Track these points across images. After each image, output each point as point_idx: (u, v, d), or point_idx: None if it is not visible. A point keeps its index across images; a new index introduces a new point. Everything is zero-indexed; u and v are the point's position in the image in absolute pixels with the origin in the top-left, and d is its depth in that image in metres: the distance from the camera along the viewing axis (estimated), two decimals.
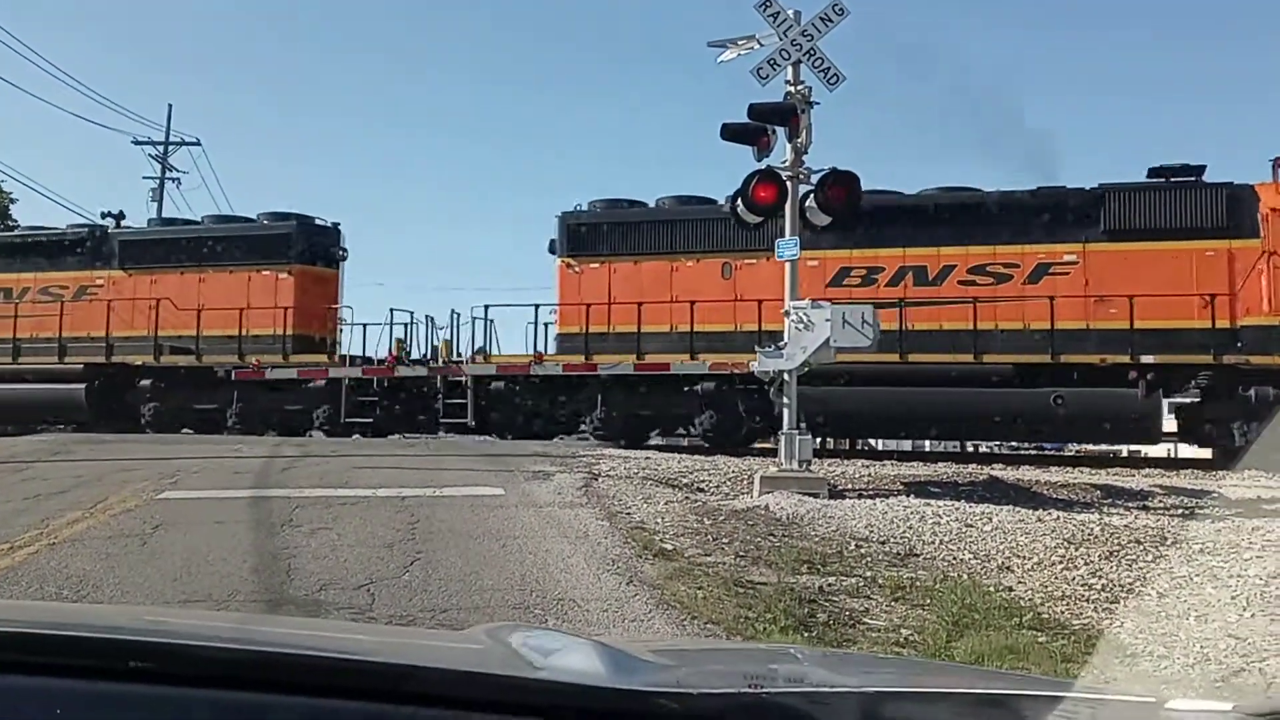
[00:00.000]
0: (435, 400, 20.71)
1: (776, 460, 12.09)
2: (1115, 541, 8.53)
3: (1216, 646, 5.49)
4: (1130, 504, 11.92)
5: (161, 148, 40.38)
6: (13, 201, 42.29)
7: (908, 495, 11.47)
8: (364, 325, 22.59)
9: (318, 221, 23.18)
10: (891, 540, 8.93)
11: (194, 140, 41.27)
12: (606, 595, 6.63)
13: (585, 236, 20.79)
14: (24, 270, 23.43)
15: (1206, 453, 19.10)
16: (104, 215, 23.74)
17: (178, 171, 40.97)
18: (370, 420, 20.83)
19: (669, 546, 8.31)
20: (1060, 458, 20.33)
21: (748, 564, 7.80)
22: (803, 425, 12.18)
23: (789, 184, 12.02)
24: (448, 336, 21.45)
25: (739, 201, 12.30)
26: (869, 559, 8.14)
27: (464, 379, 20.20)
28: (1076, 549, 8.26)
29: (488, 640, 1.77)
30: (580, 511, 9.67)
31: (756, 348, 12.57)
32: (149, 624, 1.93)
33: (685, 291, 19.59)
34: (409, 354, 21.31)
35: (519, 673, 1.44)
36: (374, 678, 1.37)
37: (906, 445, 22.73)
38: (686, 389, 19.35)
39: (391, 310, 24.84)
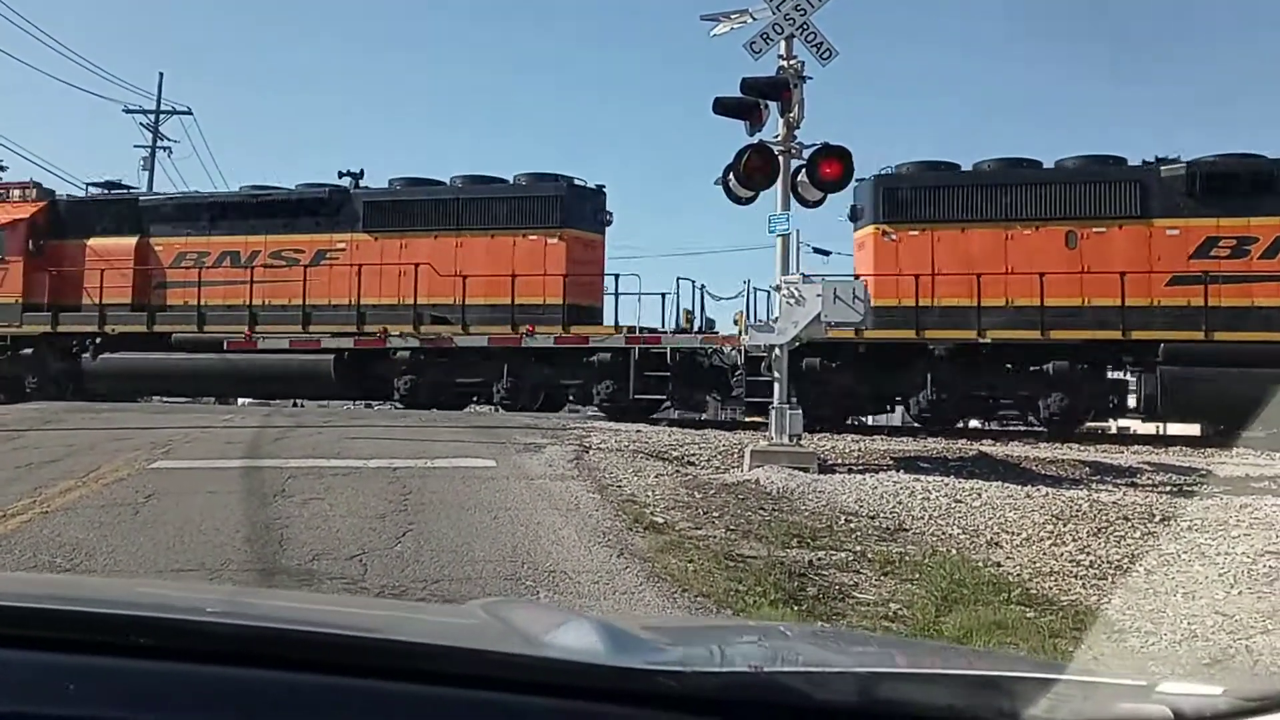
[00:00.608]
0: (728, 375, 19.11)
1: (767, 434, 12.13)
2: (1104, 518, 8.59)
3: (1204, 623, 5.55)
4: (1119, 481, 12.00)
5: (153, 117, 40.12)
6: (3, 169, 42.04)
7: (897, 470, 11.53)
8: (638, 295, 21.77)
9: (580, 183, 21.41)
10: (881, 515, 8.98)
11: (185, 109, 40.99)
12: (597, 568, 6.66)
13: (904, 201, 19.17)
14: (253, 233, 21.88)
15: (1195, 429, 19.19)
16: (341, 175, 22.08)
17: (169, 140, 40.73)
18: (663, 397, 19.43)
19: (660, 519, 8.35)
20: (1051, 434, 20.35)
21: (738, 537, 7.84)
22: (793, 399, 12.21)
23: (780, 158, 12.00)
24: (739, 307, 18.78)
25: (730, 175, 12.28)
26: (859, 533, 8.18)
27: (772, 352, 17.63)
28: (1065, 525, 8.32)
29: (485, 616, 1.78)
30: (571, 484, 9.71)
31: (749, 327, 12.59)
32: (150, 598, 1.94)
33: (1023, 263, 18.01)
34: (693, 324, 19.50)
35: (518, 649, 1.46)
36: (374, 654, 1.38)
37: (896, 420, 22.73)
38: (1034, 367, 18.06)
39: (678, 280, 23.90)
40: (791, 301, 11.69)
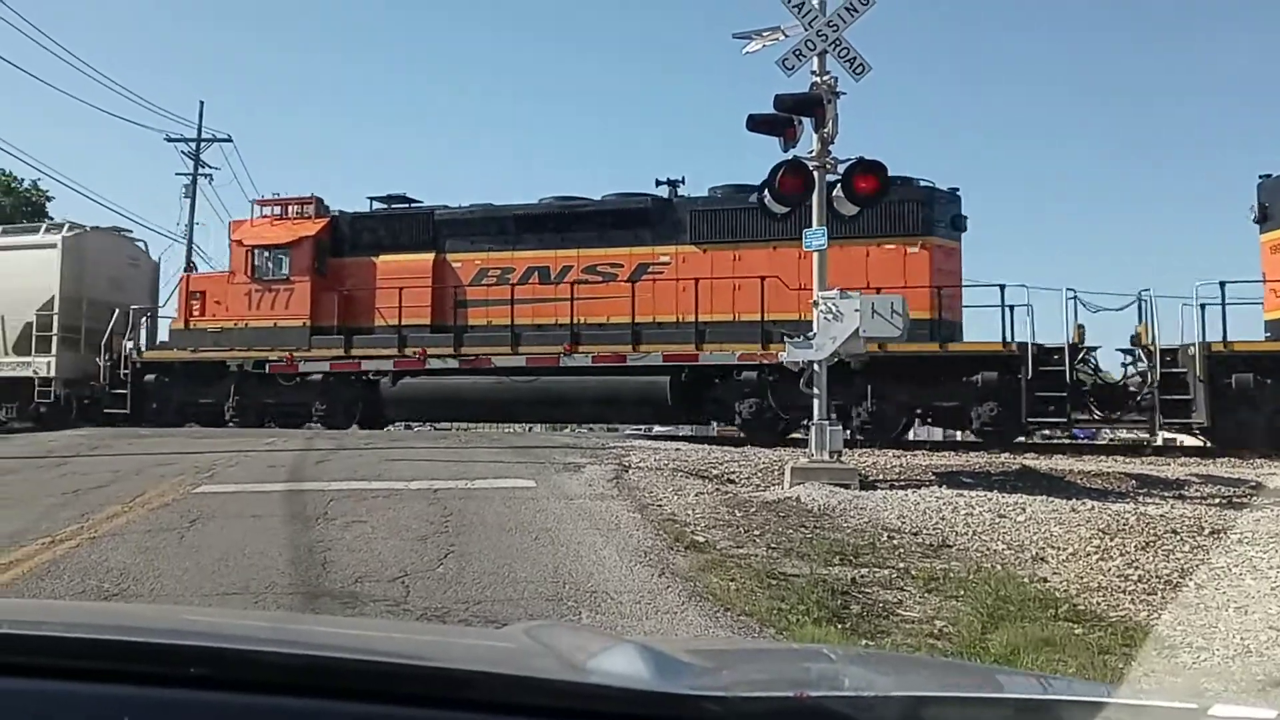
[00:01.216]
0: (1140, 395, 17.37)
1: (807, 451, 12.07)
2: (1151, 532, 8.47)
3: (1257, 638, 5.45)
4: (1166, 493, 11.83)
5: (193, 145, 40.68)
6: (50, 199, 42.80)
7: (940, 485, 11.43)
8: (1009, 306, 17.58)
9: (933, 185, 19.57)
10: (924, 531, 8.90)
11: (225, 137, 41.54)
12: (639, 587, 6.65)
13: None
14: (563, 247, 20.45)
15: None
16: (658, 183, 20.56)
17: (209, 167, 41.26)
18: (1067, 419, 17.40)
19: (701, 538, 8.32)
20: (1094, 447, 20.07)
21: (780, 556, 7.80)
22: (833, 416, 12.15)
23: (815, 174, 11.98)
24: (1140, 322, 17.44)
25: (765, 192, 12.28)
26: (902, 550, 8.12)
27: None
28: (1112, 539, 8.21)
29: (528, 640, 1.78)
30: (611, 503, 9.70)
31: (785, 338, 12.54)
32: (199, 626, 1.96)
33: None
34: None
35: (561, 675, 1.46)
36: (419, 682, 1.39)
37: (938, 434, 22.51)
38: None
39: (1077, 294, 17.99)
40: (829, 317, 11.65)
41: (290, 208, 22.26)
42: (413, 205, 22.33)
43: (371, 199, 22.42)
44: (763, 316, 18.37)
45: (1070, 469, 13.91)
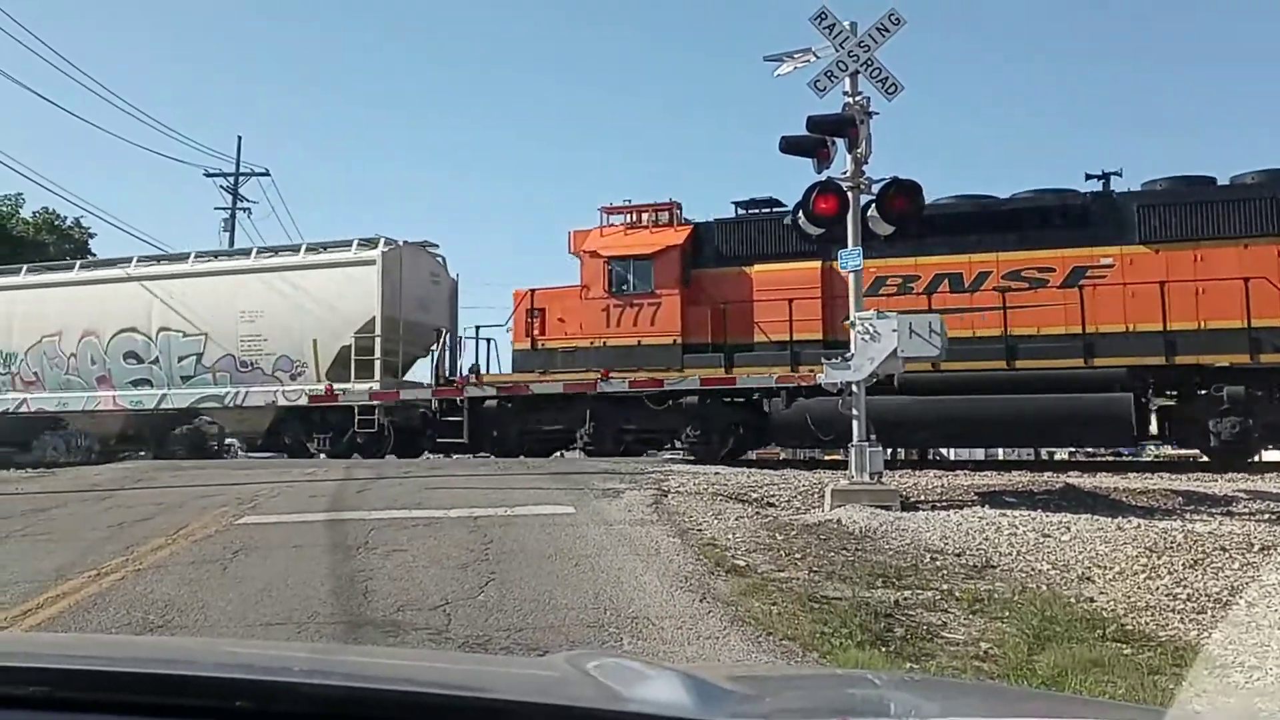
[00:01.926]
0: None
1: (847, 473, 12.00)
2: (1200, 549, 8.33)
3: None
4: (1214, 510, 11.64)
5: (232, 179, 41.25)
6: (92, 236, 43.47)
7: (982, 505, 11.32)
8: None
9: None
10: (967, 552, 8.81)
11: (263, 171, 42.08)
12: (680, 613, 6.62)
13: None
14: (976, 250, 18.36)
15: None
16: (1088, 177, 18.50)
17: (248, 201, 41.79)
18: None
19: (741, 562, 8.28)
20: (1138, 464, 19.78)
21: (821, 579, 7.74)
22: (873, 437, 12.08)
23: (850, 195, 11.96)
24: None
25: (800, 213, 12.27)
26: (945, 571, 8.04)
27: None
28: (1159, 557, 8.08)
29: (570, 669, 1.78)
30: (651, 528, 9.68)
31: (823, 359, 12.48)
32: (243, 659, 1.97)
33: None
34: None
35: (605, 704, 1.45)
36: (462, 713, 1.39)
37: (979, 454, 22.29)
38: None
39: None
40: (866, 337, 11.60)
41: (645, 215, 20.62)
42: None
43: (736, 204, 20.60)
44: (1248, 322, 16.59)
45: (1115, 486, 13.73)
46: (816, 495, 12.09)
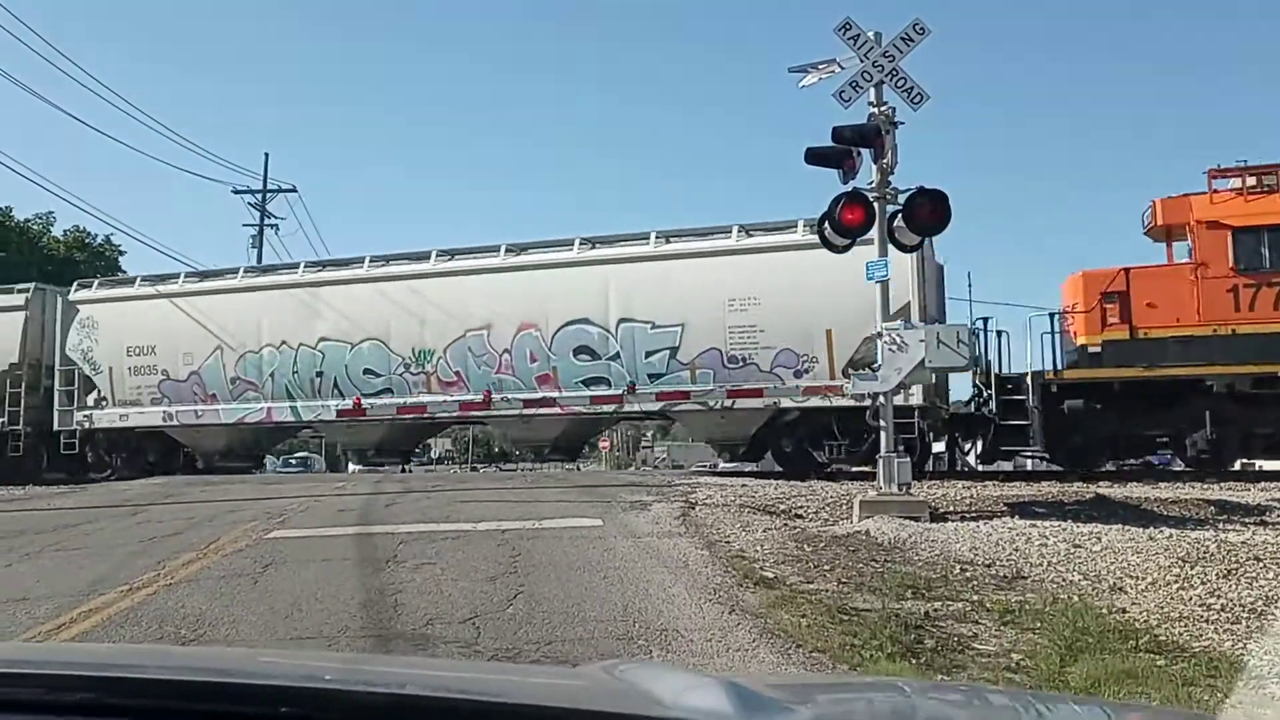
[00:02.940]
0: None
1: (875, 484, 11.95)
2: (1233, 559, 8.25)
3: None
4: (1247, 519, 11.53)
5: (259, 196, 41.56)
6: (122, 254, 43.94)
7: (1012, 516, 11.26)
8: None
9: None
10: (997, 563, 8.75)
11: (290, 187, 42.36)
12: (709, 625, 6.60)
13: None
14: None
15: None
16: None
17: (275, 218, 42.07)
18: None
19: (770, 574, 8.26)
20: (1170, 473, 19.53)
21: (850, 590, 7.71)
22: (900, 448, 12.03)
23: (876, 205, 11.94)
24: None
25: (826, 224, 12.25)
26: (975, 582, 7.99)
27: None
28: (1192, 568, 8.01)
29: (607, 677, 1.78)
30: (679, 541, 9.67)
31: (850, 371, 12.44)
32: (279, 668, 1.99)
33: None
34: None
35: (647, 712, 1.45)
36: (499, 719, 1.39)
37: (1008, 465, 22.11)
38: None
39: None
40: (894, 349, 11.56)
41: (1264, 178, 17.33)
42: None
43: None
44: None
45: (1146, 496, 13.62)
46: (845, 507, 12.05)
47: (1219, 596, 7.21)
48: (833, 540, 9.95)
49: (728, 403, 18.80)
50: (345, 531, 10.70)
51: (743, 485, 14.48)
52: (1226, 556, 8.35)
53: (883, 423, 11.79)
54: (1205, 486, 15.07)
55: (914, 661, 5.76)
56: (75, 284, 24.90)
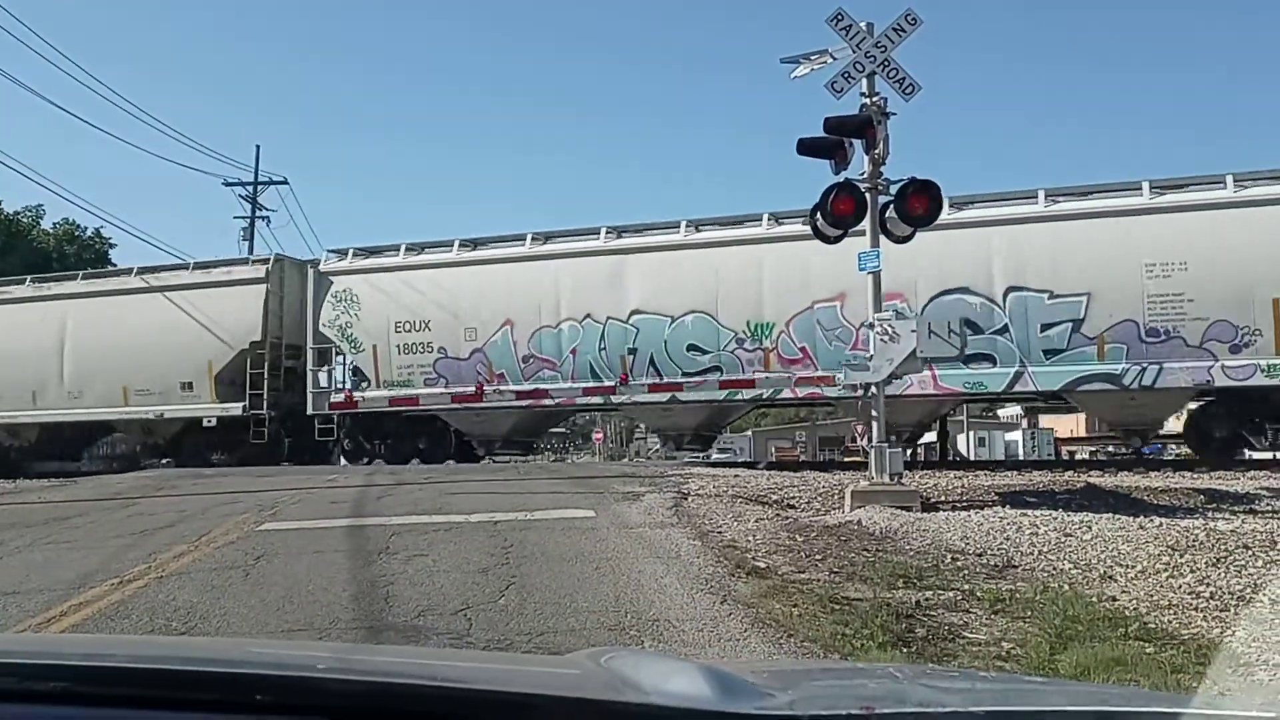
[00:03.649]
0: None
1: (867, 474, 11.97)
2: (1222, 547, 8.28)
3: None
4: (1236, 508, 11.57)
5: (250, 188, 41.43)
6: (112, 246, 43.80)
7: (1003, 506, 11.28)
8: None
9: None
10: (988, 552, 8.78)
11: (281, 179, 42.23)
12: (701, 615, 6.61)
13: None
14: None
15: None
16: None
17: (266, 210, 41.95)
18: None
19: (762, 564, 8.27)
20: (1160, 462, 19.59)
21: (842, 580, 7.73)
22: (893, 438, 12.04)
23: (868, 196, 11.94)
24: None
25: (818, 215, 12.25)
26: (966, 571, 8.01)
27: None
28: (1181, 556, 8.04)
29: (592, 665, 1.78)
30: (671, 531, 9.68)
31: (841, 362, 12.45)
32: (265, 658, 1.98)
33: None
34: None
35: (627, 698, 1.46)
36: (483, 706, 1.39)
37: (999, 454, 22.18)
38: None
39: None
40: (885, 339, 11.57)
41: None
42: None
43: None
44: None
45: (1136, 485, 13.66)
46: (836, 497, 12.07)
47: (1208, 584, 7.24)
48: (824, 530, 9.97)
49: (1149, 380, 16.92)
50: (337, 524, 10.69)
51: (735, 476, 14.49)
52: (1215, 545, 8.38)
53: (874, 411, 11.81)
54: (1195, 476, 15.12)
55: (905, 650, 5.77)
56: (326, 253, 23.20)
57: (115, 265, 35.06)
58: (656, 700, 1.42)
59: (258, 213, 41.56)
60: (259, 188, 41.52)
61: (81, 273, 25.80)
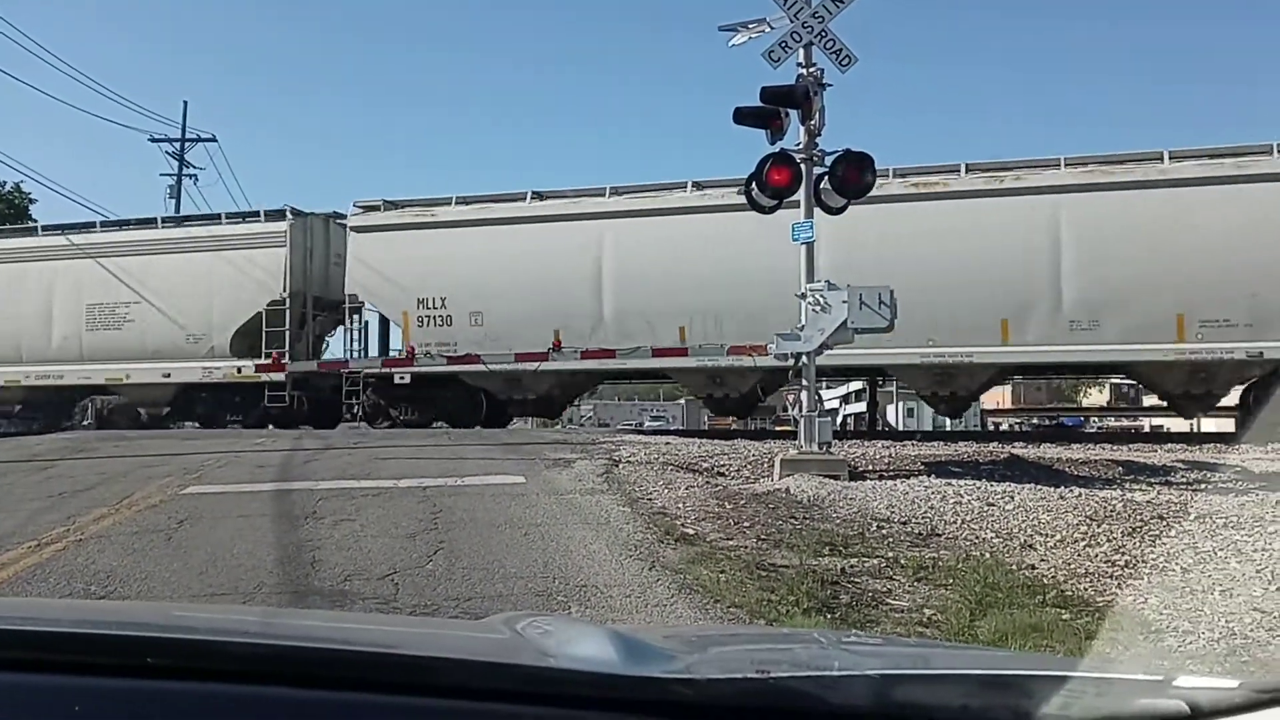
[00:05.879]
0: None
1: (796, 443, 12.09)
2: (1138, 517, 8.49)
3: (1242, 621, 5.47)
4: (1153, 479, 11.88)
5: (178, 145, 40.56)
6: (32, 201, 42.65)
7: (929, 475, 11.46)
8: None
9: None
10: (913, 520, 8.92)
11: (210, 136, 41.43)
12: (629, 581, 6.65)
13: None
14: None
15: (1229, 425, 18.97)
16: None
17: (194, 168, 41.11)
18: None
19: (690, 531, 8.33)
20: (1082, 435, 20.11)
21: (769, 547, 7.81)
22: (822, 407, 12.17)
23: (803, 166, 11.99)
24: None
25: (753, 185, 12.28)
26: (891, 540, 8.13)
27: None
28: (1099, 525, 8.23)
29: (506, 630, 1.79)
30: (601, 498, 9.71)
31: (774, 332, 12.53)
32: (172, 620, 1.96)
33: None
34: None
35: (535, 662, 1.46)
36: (395, 670, 1.39)
37: (927, 425, 22.58)
38: None
39: None
40: (817, 309, 11.66)
41: None
42: None
43: None
44: None
45: (1058, 457, 13.96)
46: (766, 465, 12.17)
47: (1123, 553, 7.42)
48: (753, 498, 10.06)
49: None
50: (264, 488, 10.57)
51: (666, 443, 14.55)
52: (1132, 515, 8.59)
53: (804, 382, 11.91)
54: (1114, 448, 15.49)
55: (829, 616, 5.85)
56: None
57: (35, 221, 34.17)
58: (563, 664, 1.43)
59: (185, 171, 40.76)
60: (186, 145, 40.70)
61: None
